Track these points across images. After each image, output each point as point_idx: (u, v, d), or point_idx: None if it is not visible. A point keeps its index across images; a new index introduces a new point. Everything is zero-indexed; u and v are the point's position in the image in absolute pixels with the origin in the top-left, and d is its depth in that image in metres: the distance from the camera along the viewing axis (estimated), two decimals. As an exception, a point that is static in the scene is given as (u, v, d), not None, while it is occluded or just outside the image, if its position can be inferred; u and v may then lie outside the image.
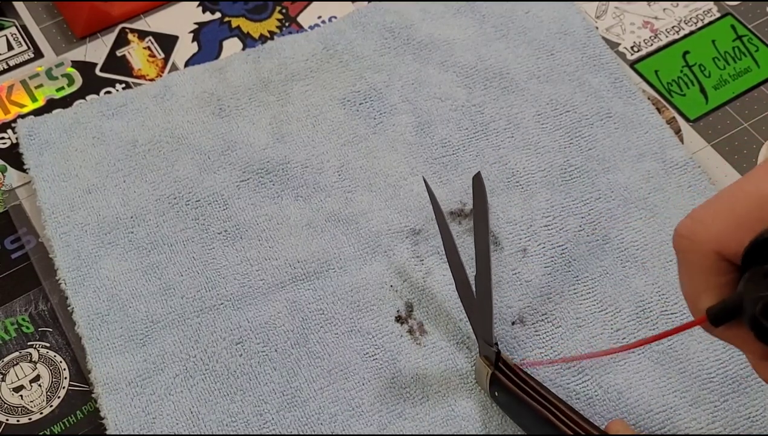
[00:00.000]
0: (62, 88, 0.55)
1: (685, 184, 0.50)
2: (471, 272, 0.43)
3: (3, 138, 0.52)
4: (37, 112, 0.53)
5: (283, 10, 0.59)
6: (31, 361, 0.45)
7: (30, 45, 0.57)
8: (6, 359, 0.44)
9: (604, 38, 0.57)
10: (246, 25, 0.58)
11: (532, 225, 0.48)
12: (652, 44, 0.57)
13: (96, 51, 0.56)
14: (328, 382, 0.43)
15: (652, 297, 0.46)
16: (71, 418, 0.43)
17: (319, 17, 0.58)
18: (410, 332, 0.45)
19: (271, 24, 0.58)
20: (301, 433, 0.42)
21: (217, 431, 0.42)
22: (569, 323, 0.45)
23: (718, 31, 0.58)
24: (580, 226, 0.48)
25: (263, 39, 0.57)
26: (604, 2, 0.59)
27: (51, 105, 0.54)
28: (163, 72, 0.55)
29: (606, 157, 0.51)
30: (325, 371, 0.43)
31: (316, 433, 0.42)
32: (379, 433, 0.42)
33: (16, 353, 0.45)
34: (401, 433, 0.42)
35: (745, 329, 0.27)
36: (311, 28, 0.58)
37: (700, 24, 0.58)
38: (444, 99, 0.53)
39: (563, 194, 0.49)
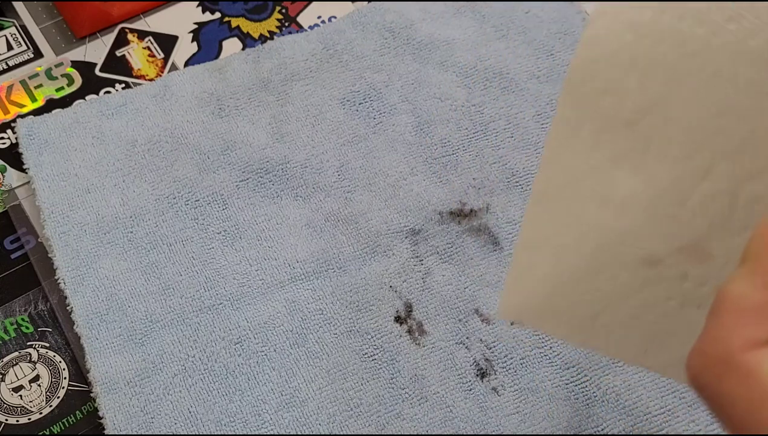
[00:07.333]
0: (62, 88, 0.55)
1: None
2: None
3: (2, 138, 0.52)
4: (36, 112, 0.53)
5: (283, 10, 0.59)
6: (30, 361, 0.45)
7: (29, 45, 0.57)
8: (5, 359, 0.44)
9: (604, 38, 0.57)
10: (246, 25, 0.58)
11: (532, 225, 0.48)
12: (652, 44, 0.57)
13: (96, 51, 0.56)
14: (326, 382, 0.43)
15: (652, 297, 0.46)
16: (71, 418, 0.43)
17: (319, 17, 0.58)
18: (409, 332, 0.45)
19: (271, 24, 0.58)
20: (299, 433, 0.42)
21: (215, 430, 0.42)
22: (568, 324, 0.45)
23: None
24: (580, 226, 0.48)
25: (263, 39, 0.57)
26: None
27: (50, 105, 0.54)
28: (162, 72, 0.55)
29: (606, 158, 0.51)
30: (324, 371, 0.43)
31: (314, 433, 0.42)
32: (378, 433, 0.42)
33: (16, 353, 0.45)
34: (399, 433, 0.42)
35: None
36: (311, 28, 0.58)
37: (700, 24, 0.58)
38: (444, 99, 0.53)
39: (563, 194, 0.49)
